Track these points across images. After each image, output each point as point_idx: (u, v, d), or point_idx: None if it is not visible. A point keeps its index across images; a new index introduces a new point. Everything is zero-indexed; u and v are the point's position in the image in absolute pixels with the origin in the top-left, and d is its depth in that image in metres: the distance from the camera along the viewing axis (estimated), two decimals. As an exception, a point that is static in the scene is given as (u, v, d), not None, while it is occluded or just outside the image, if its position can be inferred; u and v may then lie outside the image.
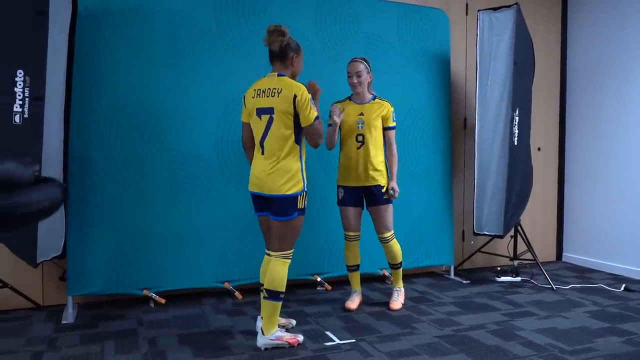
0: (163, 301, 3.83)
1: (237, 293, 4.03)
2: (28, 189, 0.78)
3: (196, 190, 3.91)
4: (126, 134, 3.74)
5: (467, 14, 5.03)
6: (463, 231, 5.08)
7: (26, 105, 3.13)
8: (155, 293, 3.82)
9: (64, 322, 3.49)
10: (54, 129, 3.34)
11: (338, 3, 4.31)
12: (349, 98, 3.73)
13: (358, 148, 3.62)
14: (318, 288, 4.32)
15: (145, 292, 3.78)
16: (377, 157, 3.64)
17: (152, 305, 3.84)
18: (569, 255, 5.55)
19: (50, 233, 3.33)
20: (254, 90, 3.08)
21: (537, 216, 5.47)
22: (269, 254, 3.17)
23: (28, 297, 3.71)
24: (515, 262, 4.77)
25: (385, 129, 3.67)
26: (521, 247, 4.81)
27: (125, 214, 3.72)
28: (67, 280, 3.63)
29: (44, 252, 3.36)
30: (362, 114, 3.64)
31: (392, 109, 3.67)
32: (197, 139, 3.91)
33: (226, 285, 3.99)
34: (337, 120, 3.48)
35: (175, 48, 3.85)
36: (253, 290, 3.99)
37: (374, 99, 3.69)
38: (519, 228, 4.72)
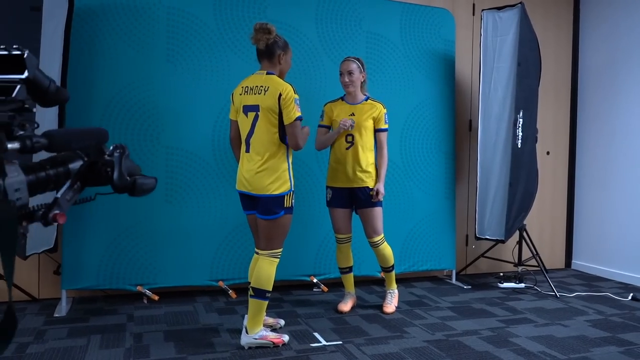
0: (156, 297, 3.84)
1: (231, 292, 4.01)
2: (143, 176, 1.20)
3: (192, 187, 3.91)
4: (123, 130, 3.76)
5: (473, 14, 4.94)
6: (467, 235, 4.97)
7: (19, 100, 3.16)
8: (149, 289, 3.83)
9: (56, 315, 3.52)
10: (49, 123, 3.37)
11: (340, 1, 4.28)
12: (342, 98, 3.69)
13: (347, 148, 3.57)
14: (314, 289, 4.28)
15: (138, 288, 3.79)
16: (366, 158, 3.57)
17: (145, 301, 3.85)
18: (578, 263, 5.39)
19: (42, 226, 3.36)
20: (242, 87, 3.08)
21: (545, 222, 5.33)
22: (257, 253, 3.15)
23: (24, 290, 3.75)
24: (520, 268, 4.64)
25: (377, 131, 3.61)
26: (527, 253, 4.68)
27: (120, 210, 3.74)
28: (61, 274, 3.67)
29: (35, 244, 3.39)
30: (353, 114, 3.59)
31: (384, 111, 3.61)
32: (194, 136, 3.91)
33: (220, 283, 3.98)
34: (347, 126, 3.47)
35: (173, 45, 3.87)
36: (247, 289, 3.97)
37: (366, 100, 3.64)
38: (525, 233, 4.60)
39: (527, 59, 4.33)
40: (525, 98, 4.33)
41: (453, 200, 4.65)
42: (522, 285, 4.53)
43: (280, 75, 3.07)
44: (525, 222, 4.60)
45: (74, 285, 3.68)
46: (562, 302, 4.14)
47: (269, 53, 3.02)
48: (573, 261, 5.45)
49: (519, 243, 4.66)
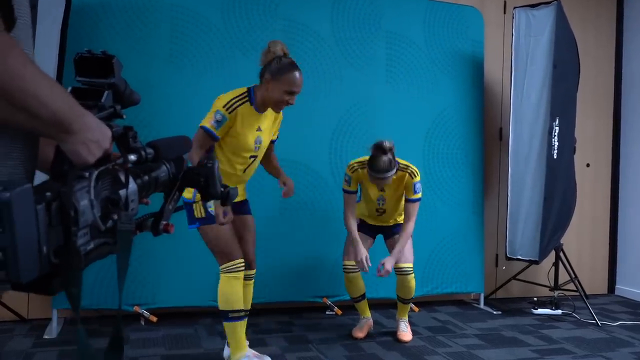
0: (154, 319, 3.59)
1: (236, 313, 3.73)
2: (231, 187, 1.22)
3: (195, 199, 3.67)
4: (121, 136, 3.54)
5: (504, 13, 4.62)
6: (497, 255, 4.61)
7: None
8: (147, 310, 3.60)
9: (46, 337, 3.31)
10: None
11: (357, -1, 4.05)
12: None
13: (378, 215, 3.51)
14: (327, 312, 3.99)
15: (135, 308, 3.56)
16: (396, 219, 3.55)
17: (142, 323, 3.60)
18: (622, 288, 4.97)
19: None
20: None
21: (585, 241, 4.93)
22: None
23: (12, 309, 3.52)
24: (556, 293, 4.28)
25: (407, 200, 3.38)
26: (565, 276, 4.30)
27: (116, 223, 3.52)
28: (52, 291, 3.43)
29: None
30: (382, 189, 3.37)
31: (413, 180, 3.30)
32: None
33: (224, 304, 3.70)
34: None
35: (177, 46, 3.68)
36: (253, 311, 3.68)
37: (395, 173, 3.28)
38: (561, 254, 4.24)
39: (564, 61, 4.02)
40: (562, 104, 4.02)
41: (481, 216, 4.34)
42: (559, 311, 4.16)
43: (263, 103, 2.79)
44: (562, 242, 4.26)
45: (66, 304, 3.40)
46: (604, 331, 3.77)
47: (260, 73, 2.82)
48: (617, 286, 5.04)
49: (555, 265, 4.30)
